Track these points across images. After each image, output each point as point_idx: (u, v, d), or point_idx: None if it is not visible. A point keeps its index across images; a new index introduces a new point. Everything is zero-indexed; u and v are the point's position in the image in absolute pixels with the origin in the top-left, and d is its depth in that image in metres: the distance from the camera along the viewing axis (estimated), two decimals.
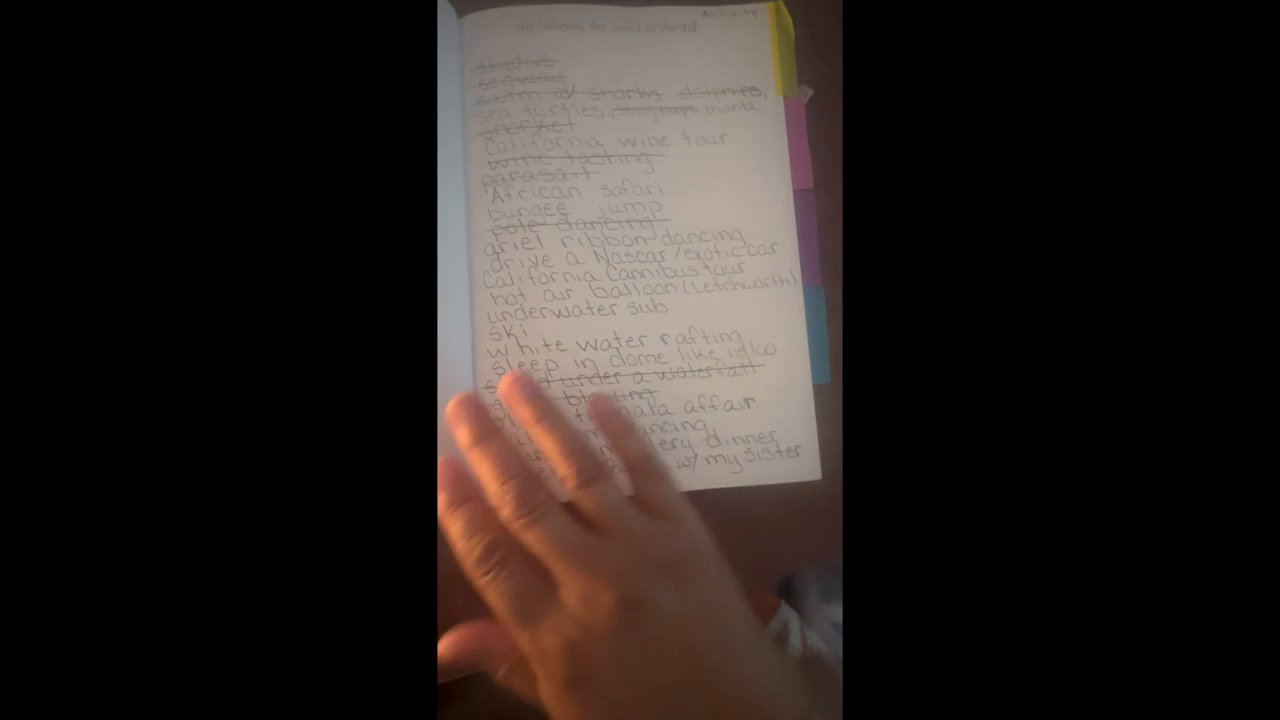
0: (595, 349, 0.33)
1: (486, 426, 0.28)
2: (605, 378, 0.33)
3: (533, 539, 0.25)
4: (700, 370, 0.34)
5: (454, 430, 0.28)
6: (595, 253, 0.34)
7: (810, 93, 0.36)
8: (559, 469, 0.27)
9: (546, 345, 0.33)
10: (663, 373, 0.33)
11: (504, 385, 0.29)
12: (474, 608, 0.32)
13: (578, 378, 0.33)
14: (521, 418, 0.29)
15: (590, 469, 0.27)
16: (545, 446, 0.28)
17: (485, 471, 0.27)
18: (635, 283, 0.34)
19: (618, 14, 0.36)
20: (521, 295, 0.34)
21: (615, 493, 0.27)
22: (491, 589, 0.25)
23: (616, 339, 0.34)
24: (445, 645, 0.26)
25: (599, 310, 0.34)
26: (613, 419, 0.29)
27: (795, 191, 0.35)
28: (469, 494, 0.27)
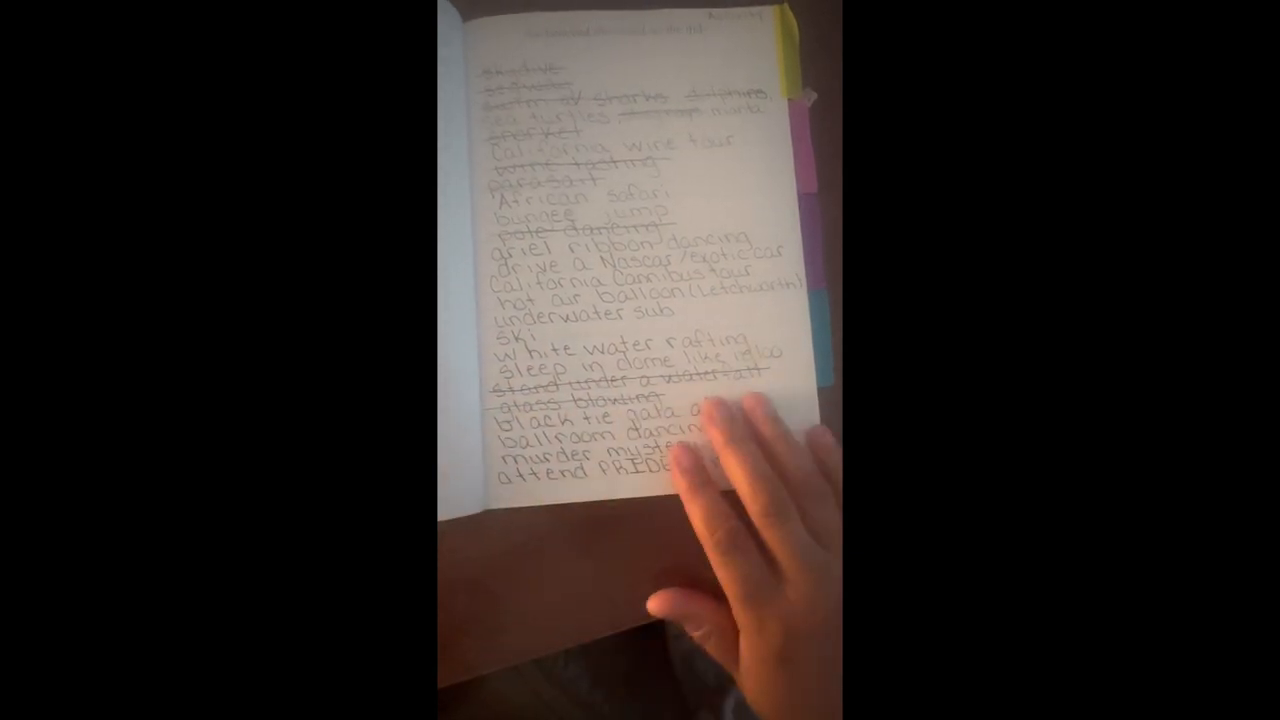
0: (603, 353, 0.34)
1: (740, 430, 0.32)
2: (613, 381, 0.34)
3: (774, 537, 0.29)
4: (707, 373, 0.34)
5: (707, 428, 0.32)
6: (602, 258, 0.34)
7: (814, 96, 0.36)
8: (792, 486, 0.30)
9: (555, 349, 0.34)
10: (669, 376, 0.34)
11: (710, 407, 0.33)
12: (478, 610, 0.33)
13: (585, 381, 0.34)
14: (765, 431, 0.32)
15: (820, 489, 0.31)
16: (781, 464, 0.31)
17: (737, 469, 0.30)
18: (641, 287, 0.34)
19: (623, 18, 0.36)
20: (529, 300, 0.34)
21: (838, 516, 0.31)
22: (727, 568, 0.29)
23: (624, 343, 0.34)
24: (660, 598, 0.31)
25: (606, 314, 0.34)
26: (829, 453, 0.32)
27: (800, 195, 0.35)
28: (705, 481, 0.31)
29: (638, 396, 0.34)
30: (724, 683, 0.41)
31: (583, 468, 0.33)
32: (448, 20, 0.35)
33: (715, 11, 0.37)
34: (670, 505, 0.33)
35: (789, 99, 0.36)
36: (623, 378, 0.34)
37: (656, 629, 0.45)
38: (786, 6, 0.37)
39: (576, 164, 0.35)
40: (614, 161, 0.35)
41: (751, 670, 0.30)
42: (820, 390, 0.34)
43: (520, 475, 0.33)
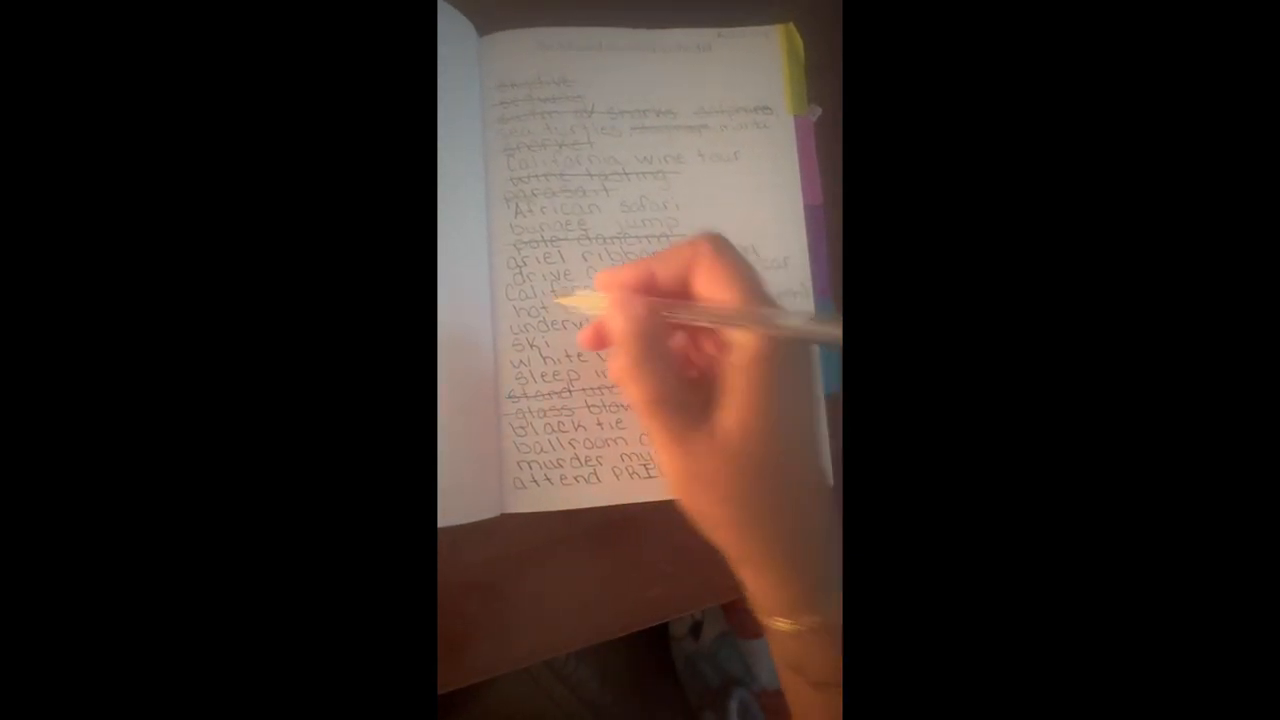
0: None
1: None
2: None
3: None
4: None
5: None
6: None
7: (819, 111, 0.37)
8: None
9: (568, 356, 0.34)
10: None
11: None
12: (492, 612, 0.33)
13: (599, 387, 0.34)
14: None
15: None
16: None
17: None
18: None
19: (635, 36, 0.37)
20: (543, 308, 0.35)
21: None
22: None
23: None
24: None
25: None
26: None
27: (805, 207, 0.36)
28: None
29: None
30: (728, 684, 0.42)
31: (596, 473, 0.34)
32: (464, 34, 0.36)
33: (723, 31, 0.38)
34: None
35: (795, 115, 0.37)
36: None
37: (661, 632, 0.45)
38: (792, 25, 0.38)
39: (589, 175, 0.36)
40: (625, 174, 0.36)
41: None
42: (828, 397, 0.35)
43: (535, 480, 0.34)
